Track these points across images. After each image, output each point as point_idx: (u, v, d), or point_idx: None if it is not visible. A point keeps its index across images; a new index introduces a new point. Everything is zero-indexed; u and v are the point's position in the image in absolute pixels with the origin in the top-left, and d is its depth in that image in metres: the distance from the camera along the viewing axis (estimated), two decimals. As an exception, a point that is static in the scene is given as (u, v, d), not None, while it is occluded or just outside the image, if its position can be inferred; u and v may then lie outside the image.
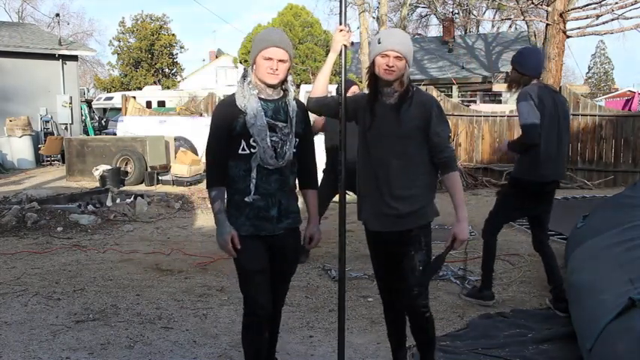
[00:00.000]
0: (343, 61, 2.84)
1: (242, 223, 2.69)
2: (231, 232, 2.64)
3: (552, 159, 4.12)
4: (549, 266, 4.35)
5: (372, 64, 2.77)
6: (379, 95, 2.81)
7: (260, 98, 2.68)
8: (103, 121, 22.33)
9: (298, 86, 19.72)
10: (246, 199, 2.66)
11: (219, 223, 2.67)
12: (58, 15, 22.14)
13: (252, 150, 2.64)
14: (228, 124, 2.64)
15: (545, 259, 4.39)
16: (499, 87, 19.58)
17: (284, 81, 2.71)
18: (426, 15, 33.34)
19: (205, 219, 7.98)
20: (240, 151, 2.65)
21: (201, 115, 14.60)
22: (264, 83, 2.67)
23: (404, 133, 2.75)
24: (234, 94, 2.71)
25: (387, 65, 2.71)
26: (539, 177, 4.13)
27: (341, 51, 2.84)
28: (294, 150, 2.73)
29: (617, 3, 15.04)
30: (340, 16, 2.88)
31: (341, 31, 2.81)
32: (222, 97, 15.32)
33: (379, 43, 2.74)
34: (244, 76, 2.73)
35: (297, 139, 2.74)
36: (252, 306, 2.72)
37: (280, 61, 2.63)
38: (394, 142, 2.76)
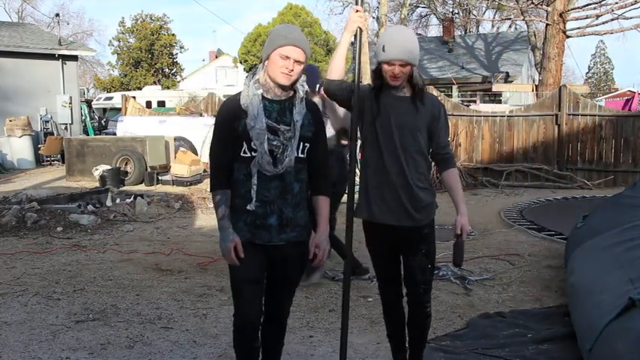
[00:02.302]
0: (358, 46, 2.75)
1: (240, 228, 2.54)
2: (234, 240, 2.50)
3: None
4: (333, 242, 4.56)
5: (378, 66, 2.78)
6: (386, 89, 2.81)
7: (266, 98, 2.52)
8: (102, 121, 22.33)
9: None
10: (248, 207, 2.51)
11: (223, 229, 2.53)
12: (57, 15, 22.17)
13: (254, 153, 2.48)
14: (231, 124, 2.50)
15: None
16: (499, 87, 19.58)
17: (296, 81, 2.54)
18: (426, 15, 33.35)
19: (205, 219, 7.99)
20: (242, 154, 2.50)
21: (201, 115, 14.59)
22: (275, 82, 2.51)
23: (416, 125, 2.79)
24: (240, 93, 2.56)
25: (392, 73, 2.72)
26: None
27: (355, 34, 2.77)
28: (302, 155, 2.55)
29: (617, 3, 15.07)
30: None
31: (357, 11, 2.74)
32: (222, 97, 15.38)
33: (383, 51, 2.71)
34: (254, 74, 2.57)
35: (307, 144, 2.57)
36: (238, 316, 2.64)
37: (297, 61, 2.47)
38: (406, 133, 2.78)
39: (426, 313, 2.95)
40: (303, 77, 2.59)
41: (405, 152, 2.79)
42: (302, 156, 2.56)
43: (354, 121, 2.83)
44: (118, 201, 8.58)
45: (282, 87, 2.52)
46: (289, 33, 2.50)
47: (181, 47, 37.38)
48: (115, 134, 15.77)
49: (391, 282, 3.03)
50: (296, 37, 2.48)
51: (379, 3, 20.85)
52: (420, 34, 33.28)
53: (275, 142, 2.49)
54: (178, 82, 36.80)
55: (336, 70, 2.81)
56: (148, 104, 22.16)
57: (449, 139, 2.94)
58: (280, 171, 2.50)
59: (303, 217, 2.62)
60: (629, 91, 21.14)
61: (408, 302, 2.97)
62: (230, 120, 2.52)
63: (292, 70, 2.47)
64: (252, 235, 2.55)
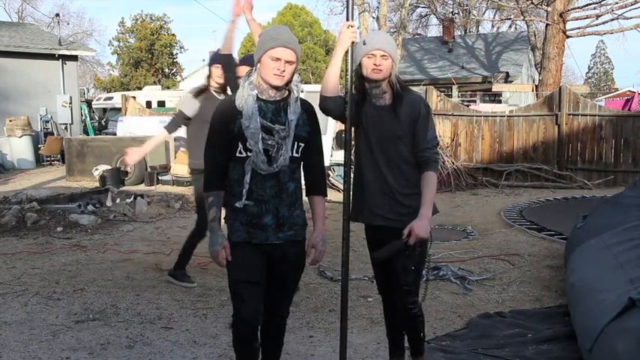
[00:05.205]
0: (350, 59, 2.81)
1: (236, 229, 2.58)
2: (222, 243, 2.56)
3: None
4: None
5: (359, 66, 2.81)
6: (368, 97, 2.85)
7: (261, 99, 2.56)
8: (103, 121, 22.31)
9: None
10: (237, 204, 2.55)
11: (212, 232, 2.59)
12: (58, 15, 22.19)
13: (249, 153, 2.52)
14: (226, 125, 2.54)
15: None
16: (499, 87, 19.59)
17: (289, 82, 2.58)
18: (426, 15, 33.30)
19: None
20: (237, 154, 2.54)
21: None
22: (268, 84, 2.54)
23: (396, 134, 2.79)
24: (235, 95, 2.61)
25: (374, 65, 2.75)
26: None
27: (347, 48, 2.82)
28: (297, 155, 2.59)
29: (617, 3, 15.08)
30: (347, 13, 2.88)
31: (350, 26, 2.80)
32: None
33: (364, 44, 2.79)
34: (248, 75, 2.61)
35: (302, 144, 2.60)
36: (237, 316, 2.63)
37: (288, 62, 2.50)
38: (388, 143, 2.81)
39: (411, 314, 2.91)
40: (298, 77, 2.62)
41: (389, 162, 2.81)
42: (296, 155, 2.59)
43: (348, 131, 2.84)
44: (118, 201, 8.57)
45: (276, 88, 2.55)
46: (278, 35, 2.52)
47: (181, 47, 37.49)
48: (115, 134, 15.76)
49: (386, 281, 3.03)
50: (285, 38, 2.51)
51: (379, 3, 20.88)
52: (420, 34, 33.31)
53: (270, 142, 2.52)
54: (178, 82, 36.81)
55: (330, 87, 2.82)
56: (148, 104, 22.13)
57: (432, 138, 2.83)
58: (275, 170, 2.53)
59: (299, 216, 2.65)
60: (629, 91, 21.13)
61: (397, 304, 2.95)
62: (225, 121, 2.55)
63: (284, 71, 2.51)
64: (248, 234, 2.58)
